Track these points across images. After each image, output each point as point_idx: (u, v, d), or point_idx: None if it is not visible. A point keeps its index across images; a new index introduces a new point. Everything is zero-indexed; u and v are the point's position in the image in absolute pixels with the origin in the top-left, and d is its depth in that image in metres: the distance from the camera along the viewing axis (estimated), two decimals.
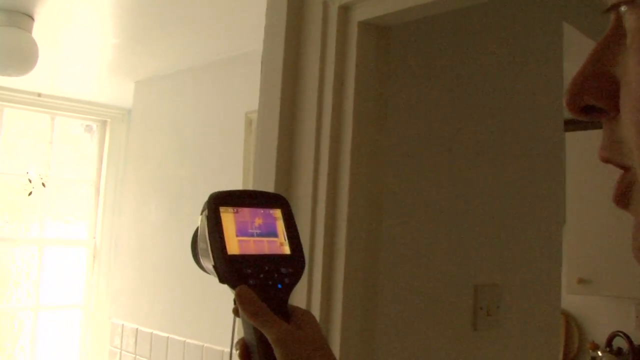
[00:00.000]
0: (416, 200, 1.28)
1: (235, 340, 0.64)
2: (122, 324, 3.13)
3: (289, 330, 0.57)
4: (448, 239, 1.35)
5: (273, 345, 0.56)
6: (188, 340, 2.73)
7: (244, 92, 2.58)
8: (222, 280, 0.59)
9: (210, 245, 0.60)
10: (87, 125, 3.93)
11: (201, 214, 0.62)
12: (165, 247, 2.93)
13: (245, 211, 0.62)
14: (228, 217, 0.61)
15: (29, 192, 3.60)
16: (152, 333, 2.94)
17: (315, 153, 1.13)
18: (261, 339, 0.58)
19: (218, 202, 0.61)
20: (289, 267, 0.61)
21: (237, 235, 0.60)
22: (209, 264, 0.61)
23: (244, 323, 0.60)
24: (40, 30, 2.33)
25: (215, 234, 0.59)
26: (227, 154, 2.58)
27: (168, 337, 2.84)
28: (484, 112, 1.45)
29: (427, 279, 1.29)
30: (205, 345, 2.64)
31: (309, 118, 1.12)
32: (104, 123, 3.94)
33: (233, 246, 0.60)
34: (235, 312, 0.62)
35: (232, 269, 0.59)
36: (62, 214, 3.76)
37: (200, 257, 0.64)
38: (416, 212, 1.28)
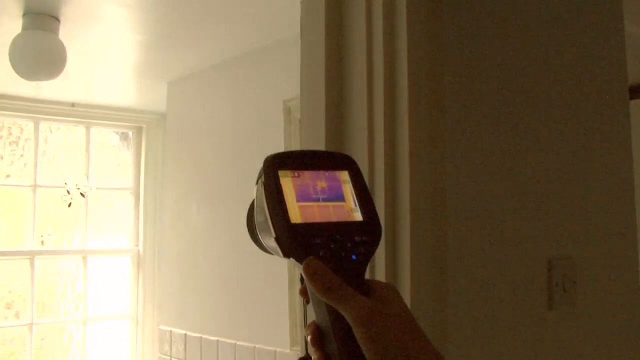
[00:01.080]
0: (481, 164, 1.18)
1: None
2: (170, 331, 3.10)
3: (372, 306, 0.50)
4: (517, 206, 1.25)
5: (353, 325, 0.49)
6: (239, 343, 2.68)
7: (280, 80, 2.52)
8: (286, 253, 0.53)
9: (270, 214, 0.54)
10: (122, 133, 3.92)
11: (256, 182, 0.57)
12: (210, 249, 2.89)
13: (307, 174, 0.57)
14: (287, 182, 0.55)
15: (68, 204, 3.60)
16: (201, 337, 2.90)
17: (368, 116, 1.03)
18: (337, 319, 0.51)
19: (276, 165, 0.56)
20: (364, 235, 0.55)
21: (298, 201, 0.55)
22: (269, 238, 0.54)
23: (315, 303, 0.54)
24: (66, 32, 2.29)
25: (275, 201, 0.54)
26: (267, 147, 2.50)
27: (218, 340, 2.79)
28: (544, 75, 1.35)
29: (497, 250, 1.21)
30: (257, 346, 2.58)
31: (359, 77, 1.02)
32: (139, 129, 3.92)
33: (296, 214, 0.54)
34: (303, 293, 0.56)
35: (297, 239, 0.53)
36: (103, 223, 3.77)
37: (258, 232, 0.57)
38: (480, 177, 1.18)
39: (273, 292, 2.49)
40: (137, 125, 3.91)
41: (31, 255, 3.46)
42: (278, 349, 2.47)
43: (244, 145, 2.72)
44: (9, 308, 3.41)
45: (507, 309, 1.19)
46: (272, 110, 2.52)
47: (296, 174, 0.56)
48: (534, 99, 1.30)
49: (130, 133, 3.94)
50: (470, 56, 1.17)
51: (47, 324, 3.52)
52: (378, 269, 0.99)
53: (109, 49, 2.68)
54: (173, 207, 3.21)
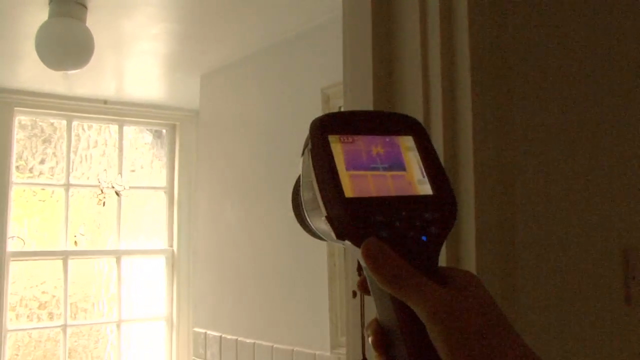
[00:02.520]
0: (550, 149, 1.08)
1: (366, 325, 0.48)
2: (205, 333, 3.03)
3: (449, 298, 0.41)
4: (589, 192, 1.14)
5: (427, 322, 0.40)
6: (276, 346, 2.58)
7: (317, 67, 2.44)
8: (340, 234, 0.44)
9: (320, 188, 0.45)
10: (156, 131, 3.87)
11: (302, 153, 0.48)
12: (245, 247, 2.83)
13: (361, 140, 0.48)
14: (338, 149, 0.46)
15: (102, 203, 3.56)
16: (236, 340, 2.81)
17: (424, 98, 0.94)
18: (406, 315, 0.42)
19: (326, 128, 0.47)
20: (435, 211, 0.46)
21: (347, 170, 0.46)
22: (319, 218, 0.46)
23: (377, 296, 0.45)
24: (95, 20, 2.22)
25: (325, 172, 0.45)
26: (304, 139, 2.41)
27: (254, 343, 2.71)
28: (614, 62, 1.24)
29: (567, 239, 1.10)
30: (295, 349, 2.49)
31: (412, 58, 0.92)
32: (173, 127, 3.88)
33: (347, 186, 0.45)
34: (362, 286, 0.47)
35: (354, 216, 0.44)
36: (137, 223, 3.73)
37: (305, 212, 0.49)
38: (549, 163, 1.08)
39: (312, 290, 2.40)
40: (171, 122, 3.86)
41: (64, 255, 3.42)
42: (318, 352, 2.37)
43: (279, 137, 2.63)
44: (42, 309, 3.37)
45: (579, 304, 1.10)
46: (310, 100, 2.44)
47: (348, 139, 0.47)
48: (606, 84, 1.20)
49: (163, 131, 3.89)
50: (536, 42, 1.06)
51: (81, 326, 3.47)
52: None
53: (139, 39, 2.61)
54: (207, 206, 3.16)
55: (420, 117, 0.90)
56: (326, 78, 2.32)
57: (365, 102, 0.96)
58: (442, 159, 0.88)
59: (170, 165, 3.86)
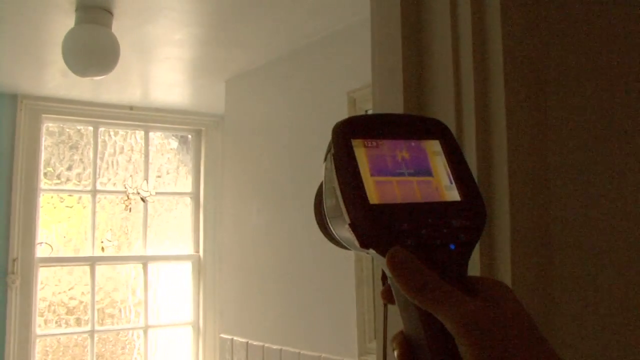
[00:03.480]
0: (587, 147, 1.04)
1: (390, 337, 0.46)
2: (232, 339, 3.02)
3: (481, 309, 0.39)
4: (630, 196, 1.10)
5: (456, 335, 0.39)
6: (303, 352, 2.56)
7: (342, 71, 2.42)
8: (364, 243, 0.43)
9: (343, 195, 0.44)
10: (182, 137, 3.88)
11: (324, 159, 0.47)
12: (272, 252, 2.82)
13: (386, 144, 0.46)
14: (361, 154, 0.45)
15: (128, 209, 3.58)
16: (263, 346, 2.79)
17: (455, 100, 0.92)
18: (433, 327, 0.41)
19: (348, 132, 0.46)
20: (464, 218, 0.45)
21: (372, 176, 0.44)
22: (342, 225, 0.44)
23: (403, 307, 0.43)
24: (120, 26, 2.22)
25: (348, 178, 0.44)
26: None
27: (281, 349, 2.68)
28: None
29: (607, 249, 1.06)
30: (323, 355, 2.46)
31: (443, 58, 0.89)
32: (198, 132, 3.89)
33: (372, 193, 0.44)
34: (386, 295, 0.45)
35: (379, 224, 0.42)
36: (163, 229, 3.74)
37: (328, 220, 0.47)
38: (588, 164, 1.04)
39: (339, 296, 2.37)
40: (196, 128, 3.87)
41: (91, 261, 3.45)
42: (345, 359, 2.33)
43: (304, 141, 2.61)
44: (70, 315, 3.40)
45: (619, 316, 1.05)
46: (336, 103, 2.42)
47: (372, 144, 0.46)
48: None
49: (189, 136, 3.90)
50: (571, 41, 1.03)
51: (108, 331, 3.49)
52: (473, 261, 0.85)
53: (164, 45, 2.62)
54: (233, 211, 3.15)
55: (452, 121, 0.87)
56: (352, 81, 2.30)
57: (394, 106, 0.94)
58: (474, 163, 0.86)
59: (196, 171, 3.87)
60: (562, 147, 0.97)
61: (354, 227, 0.43)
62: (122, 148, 3.65)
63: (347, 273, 2.31)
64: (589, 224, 1.01)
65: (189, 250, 3.81)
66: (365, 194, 0.43)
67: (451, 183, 0.46)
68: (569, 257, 0.97)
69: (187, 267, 3.79)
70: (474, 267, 0.84)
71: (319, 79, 2.59)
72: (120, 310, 3.54)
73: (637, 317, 1.05)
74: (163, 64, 2.91)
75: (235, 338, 3.00)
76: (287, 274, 2.69)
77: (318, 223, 0.51)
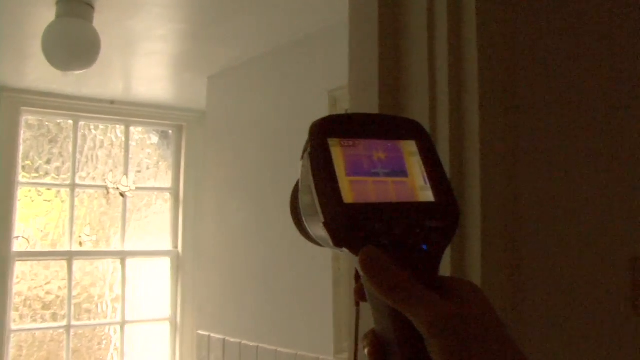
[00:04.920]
0: (558, 151, 1.07)
1: (361, 335, 0.47)
2: (209, 335, 3.02)
3: (451, 310, 0.40)
4: (597, 198, 1.12)
5: (426, 335, 0.40)
6: (279, 349, 2.58)
7: (324, 69, 2.44)
8: (337, 241, 0.43)
9: (318, 193, 0.44)
10: (162, 132, 3.88)
11: (301, 157, 0.48)
12: (250, 250, 2.83)
13: (362, 144, 0.47)
14: (338, 153, 0.46)
15: (108, 203, 3.57)
16: (240, 343, 2.81)
17: (430, 105, 0.94)
18: (404, 327, 0.41)
19: (325, 131, 0.46)
20: (437, 219, 0.45)
21: (347, 175, 0.45)
22: (316, 223, 0.45)
23: (375, 306, 0.44)
24: (102, 20, 2.22)
25: (324, 177, 0.44)
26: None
27: (257, 346, 2.70)
28: (622, 68, 1.23)
29: (573, 246, 1.08)
30: (299, 353, 2.48)
31: (419, 61, 0.91)
32: (179, 128, 3.88)
33: (347, 192, 0.44)
34: (358, 293, 0.46)
35: (352, 223, 0.43)
36: (142, 224, 3.73)
37: (303, 218, 0.48)
38: (556, 170, 1.07)
39: (316, 294, 2.39)
40: (178, 123, 3.87)
41: (69, 256, 3.43)
42: (321, 357, 2.36)
43: (286, 140, 2.63)
44: (46, 310, 3.38)
45: (586, 313, 1.08)
46: (317, 102, 2.44)
47: (349, 143, 0.46)
48: (620, 88, 1.18)
49: (170, 132, 3.89)
50: (545, 47, 1.05)
51: (85, 327, 3.48)
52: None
53: (146, 40, 2.61)
54: (213, 207, 3.16)
55: (426, 121, 0.89)
56: (334, 80, 2.31)
57: (371, 106, 0.95)
58: (447, 165, 0.88)
59: (176, 166, 3.86)
60: (534, 149, 0.99)
61: (328, 225, 0.43)
62: (102, 142, 3.64)
63: (324, 271, 2.33)
64: (559, 225, 1.03)
65: (168, 246, 3.80)
66: (340, 193, 0.43)
67: (426, 184, 0.47)
68: (539, 258, 0.99)
69: (165, 263, 3.79)
70: (445, 268, 0.86)
71: (300, 77, 2.61)
72: (97, 306, 3.52)
73: (603, 313, 1.08)
74: (145, 59, 2.90)
75: (212, 335, 3.00)
76: (265, 271, 2.70)
77: (294, 220, 0.52)
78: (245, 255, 2.86)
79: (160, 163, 3.85)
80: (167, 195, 3.85)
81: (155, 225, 3.77)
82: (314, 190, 0.44)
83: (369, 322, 0.47)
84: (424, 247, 0.44)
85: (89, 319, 3.50)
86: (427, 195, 0.47)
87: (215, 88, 3.20)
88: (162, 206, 3.82)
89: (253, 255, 2.80)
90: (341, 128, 0.47)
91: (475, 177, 0.86)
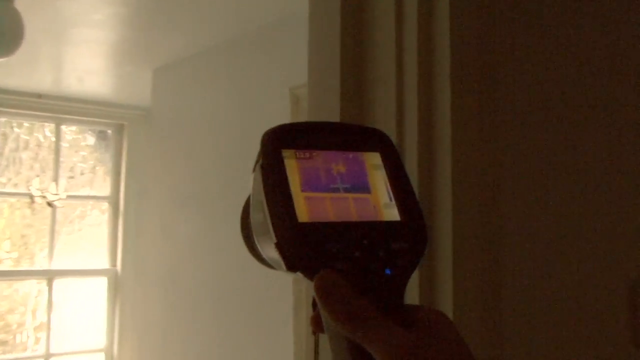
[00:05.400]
0: (543, 161, 1.09)
1: None
2: None
3: (411, 341, 0.41)
4: (591, 215, 1.15)
5: None
6: None
7: (286, 64, 2.46)
8: (290, 265, 0.45)
9: (270, 211, 0.45)
10: (100, 132, 3.86)
11: (253, 170, 0.49)
12: (201, 269, 2.84)
13: (320, 156, 0.49)
14: (293, 166, 0.47)
15: (32, 214, 3.54)
16: None
17: (397, 101, 0.96)
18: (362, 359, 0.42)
19: (279, 141, 0.48)
20: (402, 240, 0.47)
21: (303, 191, 0.47)
22: (268, 244, 0.46)
23: (331, 336, 0.45)
24: (26, 2, 2.20)
25: (276, 192, 0.46)
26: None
27: None
28: (612, 70, 1.27)
29: (565, 273, 1.11)
30: None
31: (385, 55, 0.93)
32: (120, 128, 3.88)
33: (302, 209, 0.46)
34: (315, 322, 0.47)
35: (307, 244, 0.44)
36: (75, 239, 3.71)
37: (254, 237, 0.49)
38: (543, 179, 1.09)
39: (275, 321, 2.41)
40: (118, 122, 3.86)
41: None
42: None
43: (242, 144, 2.64)
44: None
45: (579, 347, 1.09)
46: (277, 101, 2.45)
47: (305, 155, 0.48)
48: (611, 93, 1.22)
49: (109, 132, 3.88)
50: (525, 46, 1.08)
51: None
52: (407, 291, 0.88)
53: (80, 25, 2.60)
54: (158, 220, 3.15)
55: (392, 130, 0.90)
56: (296, 76, 2.32)
57: (330, 113, 0.96)
58: (415, 179, 0.89)
59: (115, 172, 3.85)
60: (517, 159, 1.01)
61: (280, 246, 0.44)
62: (27, 143, 3.60)
63: (284, 295, 2.34)
64: (546, 246, 1.05)
65: (105, 264, 3.78)
66: (293, 210, 0.45)
67: (391, 200, 0.49)
68: (521, 287, 1.00)
69: (101, 283, 3.76)
70: (412, 294, 0.87)
71: (259, 72, 2.62)
72: (15, 336, 3.47)
73: (599, 350, 1.10)
74: (79, 48, 2.88)
75: None
76: (218, 295, 2.71)
77: (244, 239, 0.53)
78: (193, 275, 2.86)
79: (97, 168, 3.84)
80: (105, 205, 3.83)
81: (90, 239, 3.75)
82: (265, 207, 0.45)
83: (329, 353, 0.48)
84: (388, 271, 0.45)
85: (4, 352, 3.44)
86: (391, 213, 0.48)
87: (162, 82, 3.19)
88: (99, 218, 3.80)
89: (203, 275, 2.80)
90: (297, 138, 0.48)
91: (447, 192, 0.87)
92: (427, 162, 0.89)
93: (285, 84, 2.42)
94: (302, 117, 2.36)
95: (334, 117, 0.97)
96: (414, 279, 0.86)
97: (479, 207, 0.92)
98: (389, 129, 0.92)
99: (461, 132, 0.90)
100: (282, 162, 0.46)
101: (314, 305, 0.46)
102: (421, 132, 0.90)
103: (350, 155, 0.50)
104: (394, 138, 0.90)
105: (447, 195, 0.87)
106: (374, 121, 0.95)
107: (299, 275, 0.44)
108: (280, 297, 2.36)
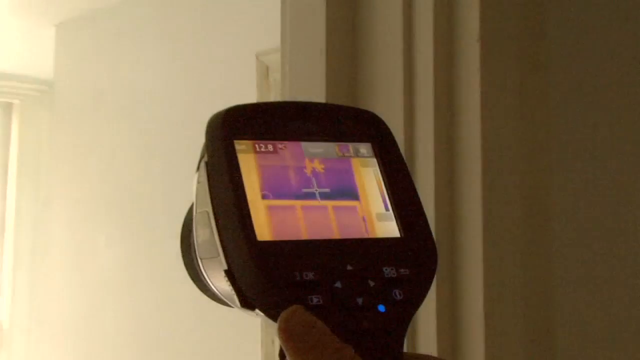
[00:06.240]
0: (602, 158, 1.16)
1: None
2: None
3: None
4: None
5: None
6: None
7: (251, 22, 2.48)
8: (246, 300, 0.47)
9: (219, 225, 0.47)
10: None
11: (197, 169, 0.51)
12: (128, 309, 2.85)
13: (288, 148, 0.51)
14: (249, 163, 0.49)
15: None
16: None
17: (405, 79, 1.01)
18: None
19: (231, 130, 0.50)
20: (402, 265, 0.48)
21: (264, 198, 0.48)
22: (217, 271, 0.48)
23: None
24: None
25: (227, 200, 0.47)
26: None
27: None
28: None
29: (623, 290, 1.18)
30: None
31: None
32: (7, 107, 3.89)
33: (262, 223, 0.47)
34: None
35: (268, 272, 0.46)
36: None
37: (200, 262, 0.51)
38: (603, 180, 1.16)
39: None
40: (5, 100, 3.87)
41: None
42: None
43: (189, 131, 2.64)
44: None
45: None
46: (239, 71, 2.48)
47: (267, 148, 0.50)
48: None
49: None
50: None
51: None
52: (419, 331, 0.96)
53: None
54: (64, 240, 3.16)
55: (398, 113, 0.96)
56: (264, 38, 2.35)
57: (313, 85, 1.02)
58: (425, 179, 0.94)
59: (2, 169, 3.89)
60: (567, 154, 1.08)
61: (231, 275, 0.46)
62: None
63: (249, 343, 2.39)
64: (603, 266, 1.13)
65: None
66: (251, 225, 0.46)
67: (387, 210, 0.51)
68: (575, 319, 1.08)
69: None
70: (423, 339, 0.94)
71: (212, 31, 2.65)
72: None
73: None
74: None
75: None
76: (152, 343, 2.73)
77: (186, 265, 0.56)
78: (117, 319, 2.87)
79: None
80: None
81: None
82: (212, 221, 0.47)
83: None
84: (381, 308, 0.46)
85: None
86: (388, 228, 0.50)
87: (68, 43, 3.21)
88: None
89: (131, 319, 2.82)
90: (256, 124, 0.51)
91: (474, 199, 0.94)
92: (447, 160, 0.95)
93: (249, 48, 2.45)
94: (274, 95, 2.39)
95: (318, 94, 1.02)
96: (421, 320, 0.92)
97: (518, 221, 1.00)
98: (393, 112, 0.98)
99: (494, 119, 0.96)
100: (235, 157, 0.48)
101: (282, 355, 0.47)
102: (439, 118, 0.96)
103: (331, 147, 0.52)
104: (400, 128, 0.95)
105: (476, 206, 0.93)
106: (373, 102, 1.01)
107: (258, 313, 0.47)
108: (245, 348, 2.40)
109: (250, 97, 2.42)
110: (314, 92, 1.01)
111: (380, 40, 1.00)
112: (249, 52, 2.47)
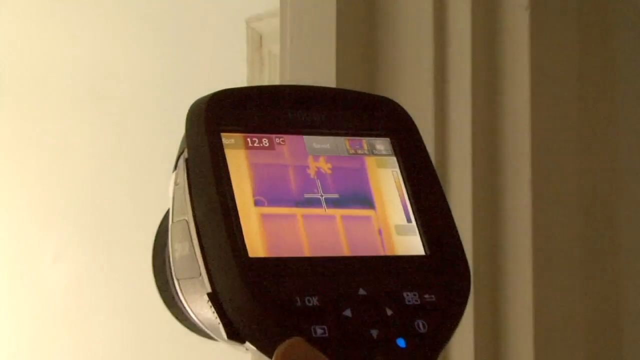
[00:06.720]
0: None
1: None
2: None
3: None
4: None
5: None
6: None
7: None
8: (234, 331, 0.47)
9: (201, 239, 0.48)
10: None
11: (174, 169, 0.53)
12: (84, 340, 2.87)
13: (286, 142, 0.52)
14: (239, 160, 0.51)
15: None
16: None
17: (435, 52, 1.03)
18: None
19: (217, 120, 0.51)
20: (428, 289, 0.49)
21: (256, 205, 0.50)
22: (199, 294, 0.49)
23: None
24: None
25: (211, 206, 0.48)
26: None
27: None
28: None
29: None
30: None
31: None
32: None
33: (254, 236, 0.48)
34: None
35: (262, 297, 0.46)
36: None
37: (175, 283, 0.53)
38: None
39: None
40: None
41: None
42: None
43: (163, 120, 2.66)
44: None
45: None
46: (227, 41, 2.52)
47: (261, 142, 0.52)
48: None
49: None
50: None
51: None
52: None
53: None
54: (6, 256, 3.19)
55: (425, 99, 0.97)
56: (256, 2, 2.37)
57: (319, 61, 1.03)
58: (457, 183, 0.96)
59: None
60: (633, 147, 1.09)
61: (216, 300, 0.47)
62: None
63: None
64: None
65: None
66: (241, 238, 0.47)
67: (409, 222, 0.52)
68: None
69: None
70: None
71: None
72: None
73: None
74: None
75: None
76: None
77: (158, 287, 0.58)
78: (71, 353, 2.91)
79: None
80: None
81: None
82: (193, 232, 0.48)
83: None
84: (401, 343, 0.47)
85: None
86: (410, 243, 0.51)
87: (8, 8, 3.26)
88: None
89: (89, 352, 2.85)
90: (247, 113, 0.52)
91: (522, 209, 0.95)
92: (487, 161, 0.96)
93: (239, 13, 2.47)
94: (269, 72, 2.40)
95: (327, 75, 1.04)
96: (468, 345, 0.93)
97: (578, 237, 1.00)
98: (420, 99, 0.98)
99: (548, 109, 0.97)
100: (223, 154, 0.50)
101: None
102: (477, 108, 0.98)
103: (340, 142, 0.54)
104: (428, 119, 0.97)
105: (524, 218, 0.94)
106: (394, 86, 1.01)
107: (249, 347, 0.48)
108: None
109: (239, 75, 2.43)
110: (321, 71, 1.04)
111: (406, 9, 1.01)
112: (238, 18, 2.49)
